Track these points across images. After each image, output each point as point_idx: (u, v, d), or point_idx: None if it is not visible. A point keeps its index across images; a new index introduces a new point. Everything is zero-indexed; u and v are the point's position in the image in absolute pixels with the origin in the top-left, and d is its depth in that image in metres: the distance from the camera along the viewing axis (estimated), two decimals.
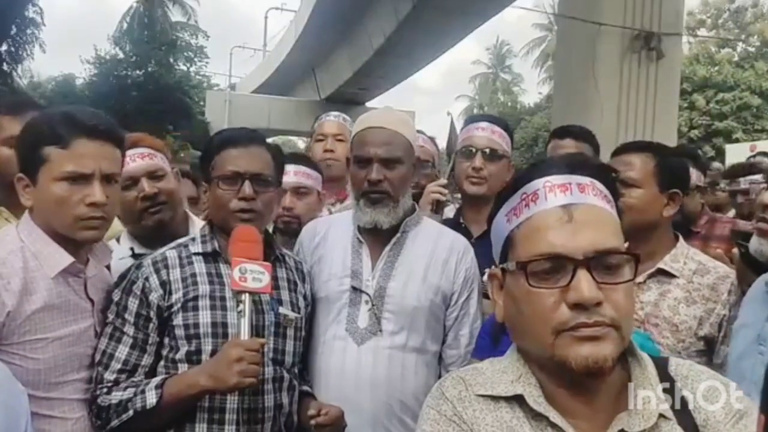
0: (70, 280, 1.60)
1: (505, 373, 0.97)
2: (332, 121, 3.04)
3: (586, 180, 0.94)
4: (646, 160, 1.96)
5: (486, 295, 1.88)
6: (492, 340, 1.72)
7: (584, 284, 0.87)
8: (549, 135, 3.04)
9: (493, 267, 1.04)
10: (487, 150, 2.28)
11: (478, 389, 0.96)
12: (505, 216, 0.99)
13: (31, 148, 1.55)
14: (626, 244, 0.94)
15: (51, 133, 1.53)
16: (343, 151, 2.90)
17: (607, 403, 0.91)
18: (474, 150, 2.29)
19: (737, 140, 19.13)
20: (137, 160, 2.03)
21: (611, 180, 0.99)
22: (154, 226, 2.04)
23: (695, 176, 2.70)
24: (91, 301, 1.66)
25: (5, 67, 16.28)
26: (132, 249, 2.08)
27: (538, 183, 0.95)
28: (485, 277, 1.78)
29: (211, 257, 1.80)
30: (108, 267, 1.82)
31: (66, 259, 1.56)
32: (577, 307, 0.87)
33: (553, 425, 0.90)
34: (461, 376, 1.00)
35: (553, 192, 0.93)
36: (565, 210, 0.92)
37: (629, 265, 0.91)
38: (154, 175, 2.06)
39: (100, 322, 1.69)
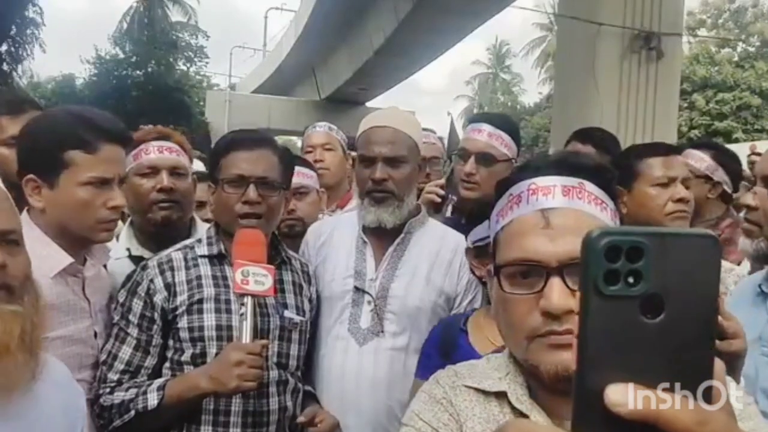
0: (69, 280, 1.60)
1: (497, 369, 0.97)
2: (319, 131, 3.03)
3: (573, 182, 0.91)
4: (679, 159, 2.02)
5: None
6: (441, 357, 1.65)
7: (554, 293, 0.84)
8: (570, 137, 2.81)
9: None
10: (482, 154, 2.20)
11: (467, 381, 0.97)
12: (495, 216, 0.98)
13: (50, 153, 1.55)
14: None
15: (76, 138, 1.54)
16: (332, 159, 2.91)
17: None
18: (468, 153, 2.23)
19: (737, 140, 19.13)
20: (164, 152, 2.02)
21: (607, 180, 0.96)
22: (160, 222, 2.01)
23: (710, 169, 2.63)
24: (89, 300, 1.66)
25: (5, 67, 16.27)
26: (128, 250, 2.06)
27: (524, 185, 0.93)
28: None
29: (217, 260, 1.80)
30: (104, 266, 1.83)
31: (65, 259, 1.57)
32: (548, 314, 0.85)
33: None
34: (455, 369, 1.01)
35: (535, 195, 0.91)
36: (544, 215, 0.89)
37: None
38: (175, 172, 2.03)
39: (97, 322, 1.69)
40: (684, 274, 0.41)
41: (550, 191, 0.91)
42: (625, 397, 0.39)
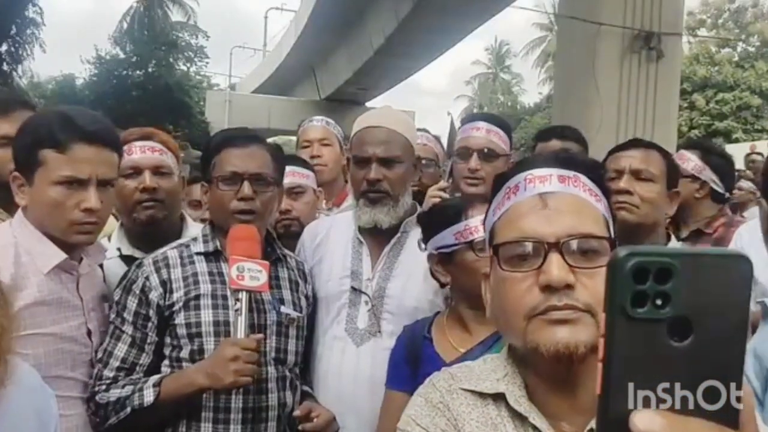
0: (63, 277, 1.60)
1: (494, 371, 0.96)
2: (316, 126, 2.98)
3: (569, 173, 0.93)
4: (657, 157, 1.98)
5: None
6: (409, 366, 1.64)
7: (554, 266, 0.85)
8: (533, 140, 2.95)
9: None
10: (484, 150, 2.24)
11: (463, 384, 0.96)
12: (492, 211, 0.99)
13: (28, 149, 1.55)
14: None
15: (49, 136, 1.52)
16: (330, 155, 2.87)
17: (593, 403, 0.88)
18: (470, 151, 2.26)
19: (737, 140, 19.13)
20: (147, 152, 2.00)
21: (599, 175, 0.98)
22: (145, 222, 2.00)
23: (698, 169, 2.64)
24: (82, 298, 1.66)
25: (5, 67, 16.30)
26: (119, 249, 2.05)
27: (521, 176, 0.94)
28: None
29: (213, 256, 1.80)
30: (100, 265, 1.82)
31: (59, 255, 1.56)
32: (548, 289, 0.84)
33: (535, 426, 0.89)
34: (451, 371, 1.00)
35: (532, 183, 0.93)
36: (542, 198, 0.91)
37: (608, 252, 0.89)
38: (159, 171, 2.02)
39: (90, 320, 1.68)
40: (713, 296, 0.39)
41: (547, 179, 0.93)
42: (651, 423, 0.38)
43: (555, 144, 2.69)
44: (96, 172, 1.55)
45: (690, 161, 2.61)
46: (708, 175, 2.65)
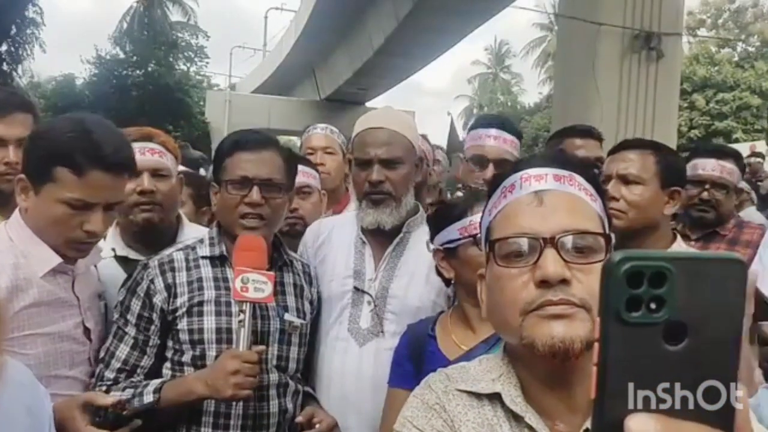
0: (59, 278, 1.61)
1: (490, 371, 0.96)
2: (320, 134, 3.00)
3: (564, 172, 0.94)
4: (648, 158, 1.96)
5: None
6: (414, 365, 1.64)
7: (549, 261, 0.85)
8: (550, 137, 2.97)
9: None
10: (501, 161, 2.24)
11: (459, 384, 0.96)
12: (488, 211, 1.00)
13: (42, 162, 1.53)
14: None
15: (68, 156, 1.50)
16: (333, 164, 2.89)
17: (589, 402, 0.88)
18: (486, 160, 2.28)
19: (737, 140, 19.15)
20: (146, 154, 1.99)
21: (593, 175, 0.98)
22: (141, 225, 1.99)
23: (736, 176, 2.64)
24: (78, 297, 1.66)
25: (5, 67, 16.30)
26: (114, 249, 2.05)
27: (516, 176, 0.95)
28: None
29: (218, 261, 1.79)
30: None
31: (55, 259, 1.57)
32: (544, 284, 0.85)
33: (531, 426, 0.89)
34: (447, 372, 1.00)
35: (528, 182, 0.94)
36: (537, 195, 0.92)
37: (604, 248, 0.90)
38: (157, 173, 2.00)
39: (88, 319, 1.68)
40: (709, 300, 0.39)
41: (543, 177, 0.94)
42: (646, 427, 0.38)
43: (577, 142, 2.71)
44: (107, 197, 1.55)
45: (733, 173, 2.64)
46: (741, 180, 2.71)
